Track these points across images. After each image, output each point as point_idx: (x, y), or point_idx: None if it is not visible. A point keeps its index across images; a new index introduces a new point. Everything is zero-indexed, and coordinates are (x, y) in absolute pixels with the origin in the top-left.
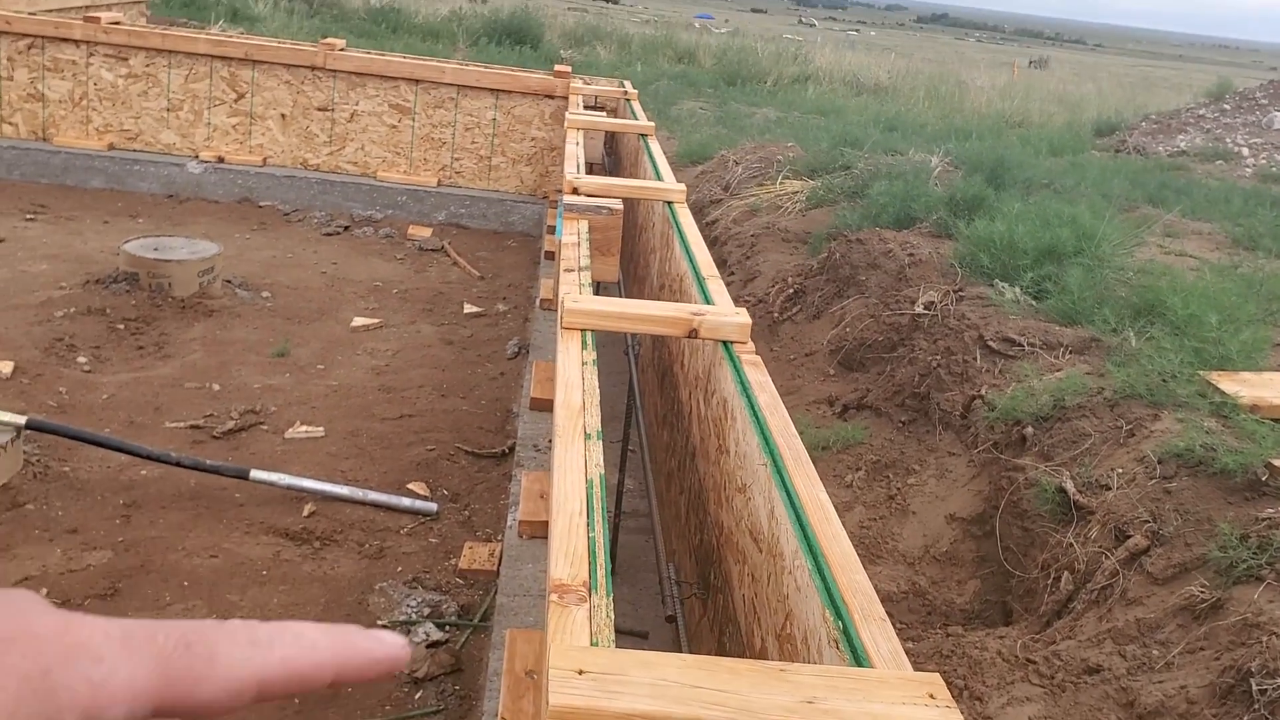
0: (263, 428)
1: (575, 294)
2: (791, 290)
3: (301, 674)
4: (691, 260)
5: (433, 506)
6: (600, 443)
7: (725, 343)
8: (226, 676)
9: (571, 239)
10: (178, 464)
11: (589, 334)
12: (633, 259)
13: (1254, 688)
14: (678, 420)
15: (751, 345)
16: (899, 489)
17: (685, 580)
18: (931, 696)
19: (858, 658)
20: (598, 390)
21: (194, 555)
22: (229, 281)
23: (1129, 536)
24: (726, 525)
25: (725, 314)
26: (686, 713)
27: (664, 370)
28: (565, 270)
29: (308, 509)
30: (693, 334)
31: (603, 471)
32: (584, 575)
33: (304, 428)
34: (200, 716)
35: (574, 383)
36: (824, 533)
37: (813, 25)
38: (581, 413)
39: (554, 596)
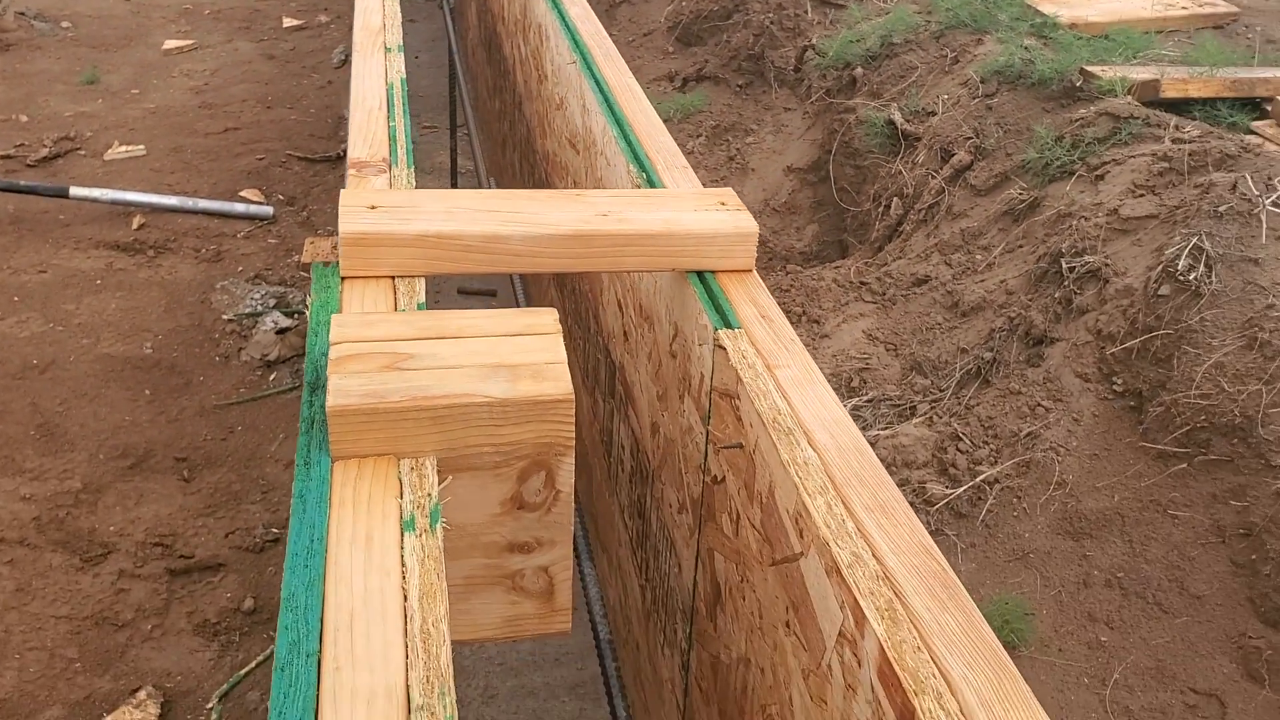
0: (80, 153)
1: None
2: None
3: None
4: None
5: (268, 210)
6: (401, 56)
7: None
8: None
9: None
10: None
11: None
12: None
13: (1064, 267)
14: (505, 80)
15: None
16: (738, 149)
17: None
18: (722, 204)
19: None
20: (399, 14)
21: (21, 272)
22: (22, 14)
23: (954, 155)
24: (551, 151)
25: None
26: (480, 229)
27: (490, 39)
28: None
29: (137, 222)
30: None
31: (404, 76)
32: (384, 154)
33: (123, 148)
34: None
35: (373, 8)
36: (630, 108)
37: None
38: (381, 32)
39: (352, 172)
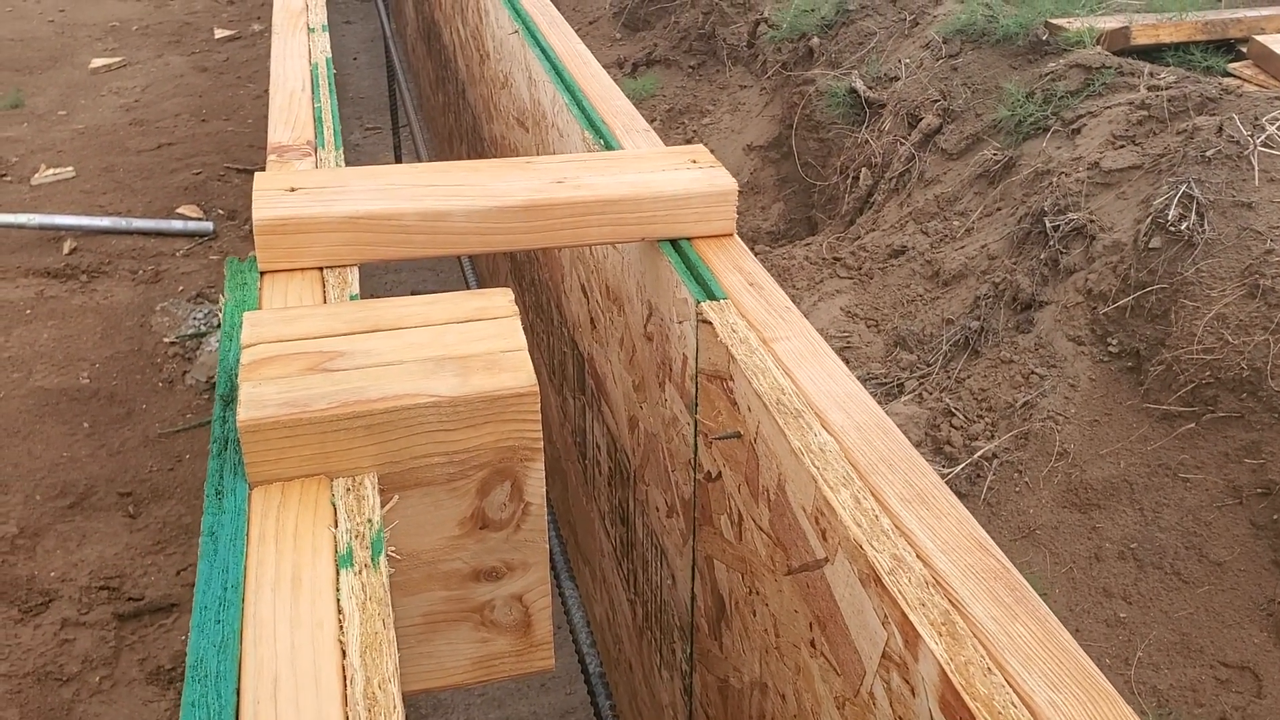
0: (5, 179)
1: None
2: None
3: None
4: None
5: (208, 225)
6: (326, 35)
7: None
8: None
9: None
10: None
11: None
12: None
13: (1047, 226)
14: (447, 70)
15: None
16: (695, 131)
17: None
18: (694, 161)
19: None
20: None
21: None
22: None
23: (921, 119)
24: (499, 134)
25: None
26: (419, 207)
27: (429, 30)
28: None
29: (68, 246)
30: None
31: (329, 56)
32: (309, 136)
33: (51, 171)
34: None
35: None
36: (581, 74)
37: None
38: (304, 13)
39: (272, 158)
